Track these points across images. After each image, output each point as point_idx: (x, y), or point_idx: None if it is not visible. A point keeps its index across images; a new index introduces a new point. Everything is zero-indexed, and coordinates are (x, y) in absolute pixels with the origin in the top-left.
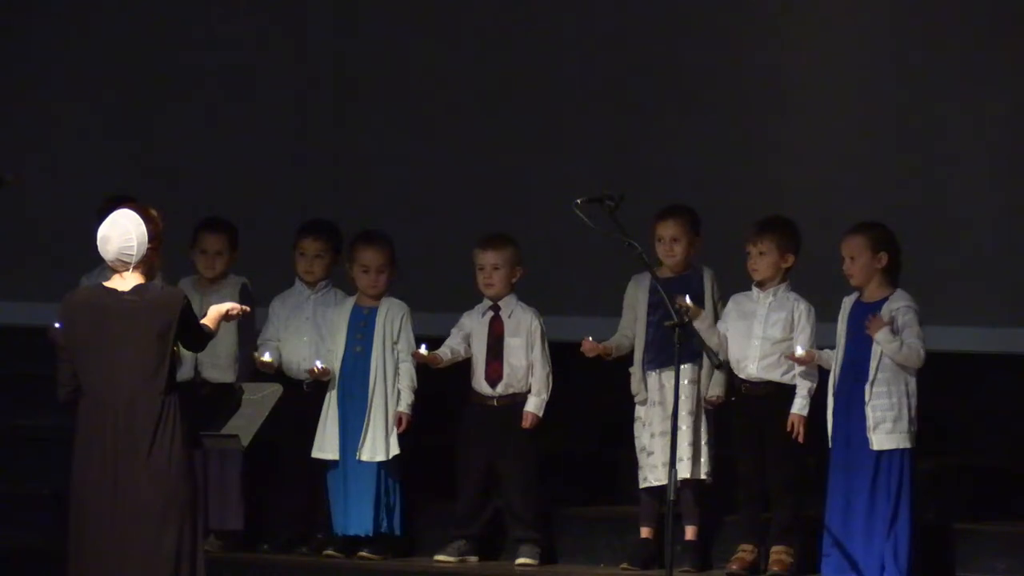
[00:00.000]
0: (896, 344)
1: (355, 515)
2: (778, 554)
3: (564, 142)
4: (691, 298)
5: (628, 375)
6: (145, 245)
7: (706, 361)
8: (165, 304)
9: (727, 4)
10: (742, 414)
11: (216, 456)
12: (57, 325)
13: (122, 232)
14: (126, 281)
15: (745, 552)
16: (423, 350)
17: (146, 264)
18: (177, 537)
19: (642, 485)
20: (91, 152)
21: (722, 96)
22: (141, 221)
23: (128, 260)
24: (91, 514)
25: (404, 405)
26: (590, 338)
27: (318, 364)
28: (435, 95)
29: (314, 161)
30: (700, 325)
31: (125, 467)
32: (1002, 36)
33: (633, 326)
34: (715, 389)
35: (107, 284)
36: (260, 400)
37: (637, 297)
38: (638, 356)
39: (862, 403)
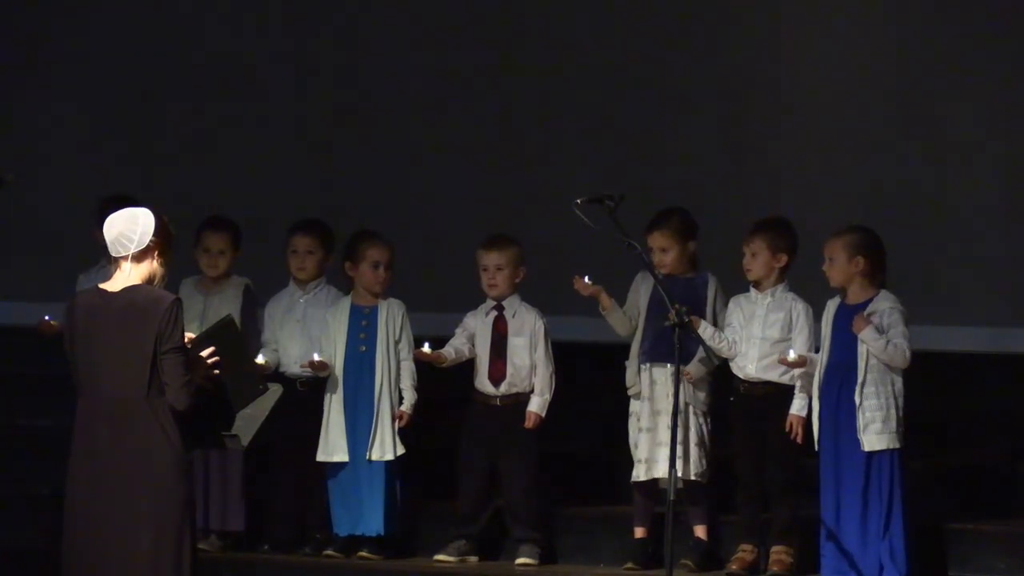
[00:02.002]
0: (882, 342)
1: (366, 515)
2: (778, 554)
3: (564, 143)
4: (692, 303)
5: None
6: (148, 237)
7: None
8: (150, 305)
9: (727, 5)
10: (741, 414)
11: (216, 456)
12: (47, 317)
13: (129, 217)
14: (120, 280)
15: (745, 552)
16: (427, 349)
17: (145, 260)
18: (168, 537)
19: (632, 480)
20: (90, 152)
21: (722, 97)
22: (153, 217)
23: (127, 245)
24: (83, 514)
25: (407, 404)
26: (586, 278)
27: (316, 356)
28: (435, 95)
29: (314, 161)
30: (704, 334)
31: (116, 467)
32: (1000, 36)
33: (634, 311)
34: (692, 367)
35: (101, 285)
36: (259, 400)
37: (641, 290)
38: (635, 349)
39: (849, 405)
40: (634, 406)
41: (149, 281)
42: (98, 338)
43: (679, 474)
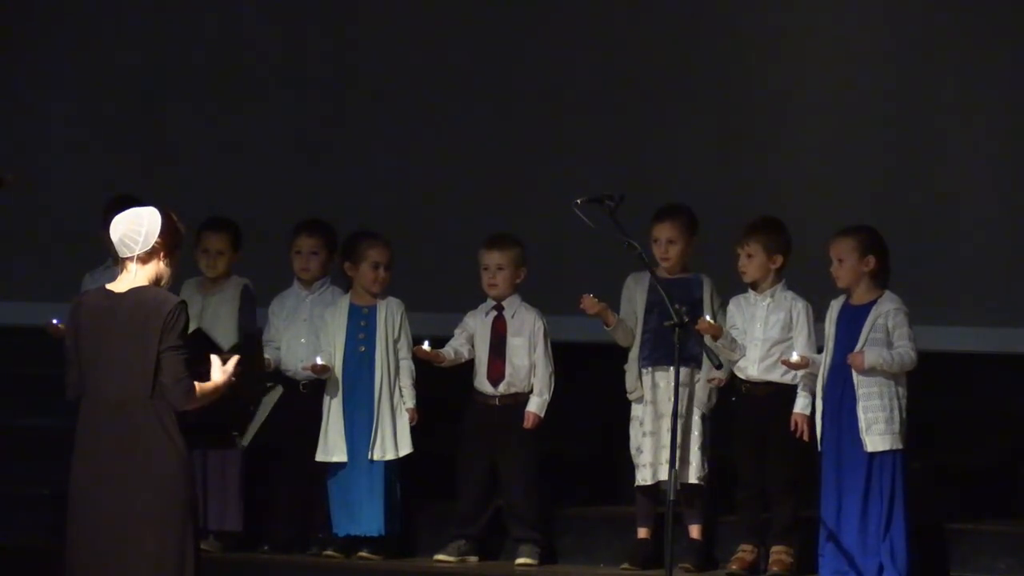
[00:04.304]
0: (888, 360)
1: (364, 515)
2: (778, 554)
3: (565, 143)
4: (689, 304)
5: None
6: (153, 238)
7: (704, 363)
8: (157, 307)
9: (727, 7)
10: (743, 415)
11: (216, 456)
12: (55, 321)
13: (134, 217)
14: (126, 282)
15: (745, 552)
16: (426, 346)
17: (152, 261)
18: (171, 539)
19: (636, 484)
20: (91, 152)
21: (722, 98)
22: (160, 218)
23: (132, 246)
24: (86, 515)
25: (411, 403)
26: (592, 295)
27: (318, 360)
28: (435, 95)
29: (314, 161)
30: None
31: (120, 469)
32: (999, 39)
33: (631, 319)
34: (723, 372)
35: (108, 286)
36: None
37: (635, 294)
38: (634, 353)
39: (852, 405)
40: (636, 410)
41: (156, 282)
42: (104, 339)
43: (679, 477)
